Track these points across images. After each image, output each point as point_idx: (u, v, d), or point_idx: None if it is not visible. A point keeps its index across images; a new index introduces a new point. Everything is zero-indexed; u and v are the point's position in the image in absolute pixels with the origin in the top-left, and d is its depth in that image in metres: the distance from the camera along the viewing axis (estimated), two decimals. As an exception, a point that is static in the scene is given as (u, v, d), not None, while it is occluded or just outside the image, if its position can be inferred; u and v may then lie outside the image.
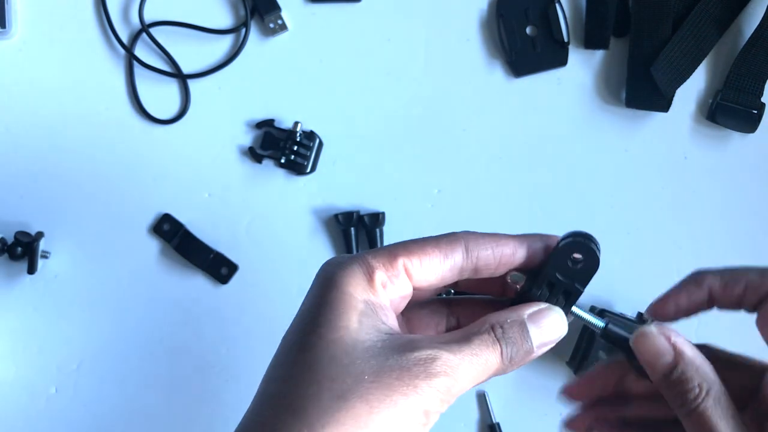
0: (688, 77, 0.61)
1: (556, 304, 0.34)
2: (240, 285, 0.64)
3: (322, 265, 0.33)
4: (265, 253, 0.64)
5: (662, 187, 0.63)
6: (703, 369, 0.33)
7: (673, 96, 0.62)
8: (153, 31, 0.65)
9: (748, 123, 0.61)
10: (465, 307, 0.37)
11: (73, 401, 0.64)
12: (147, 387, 0.64)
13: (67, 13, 0.65)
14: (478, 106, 0.64)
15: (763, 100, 0.61)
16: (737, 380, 0.34)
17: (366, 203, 0.64)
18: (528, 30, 0.63)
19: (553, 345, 0.34)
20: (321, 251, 0.64)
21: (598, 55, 0.64)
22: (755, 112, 0.61)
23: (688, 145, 0.63)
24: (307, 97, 0.64)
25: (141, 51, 0.65)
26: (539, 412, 0.63)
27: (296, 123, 0.63)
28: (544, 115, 0.64)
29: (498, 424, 0.62)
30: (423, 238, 0.34)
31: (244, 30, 0.64)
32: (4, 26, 0.64)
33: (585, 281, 0.34)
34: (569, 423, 0.39)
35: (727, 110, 0.61)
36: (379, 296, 0.32)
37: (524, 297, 0.35)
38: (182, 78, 0.65)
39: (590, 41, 0.63)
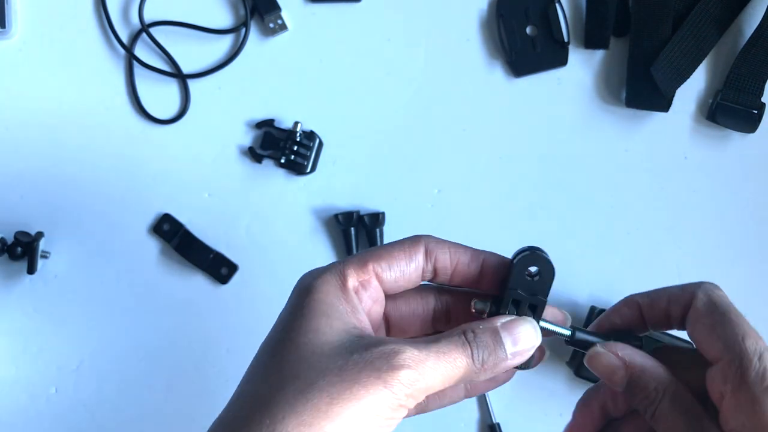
0: (688, 77, 0.61)
1: None
2: (240, 285, 0.64)
3: (300, 277, 0.36)
4: (265, 253, 0.64)
5: (662, 187, 0.63)
6: (655, 372, 0.35)
7: (673, 96, 0.62)
8: (153, 31, 0.65)
9: (748, 123, 0.61)
10: (454, 297, 0.39)
11: (73, 401, 0.64)
12: (147, 387, 0.64)
13: (67, 13, 0.65)
14: (478, 106, 0.64)
15: (763, 100, 0.61)
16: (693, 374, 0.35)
17: (366, 203, 0.64)
18: (528, 30, 0.63)
19: (526, 355, 0.35)
20: (321, 251, 0.64)
21: (598, 55, 0.64)
22: (755, 112, 0.61)
23: (688, 145, 0.63)
24: (307, 97, 0.64)
25: (141, 51, 0.65)
26: (539, 412, 0.63)
27: (296, 123, 0.63)
28: (544, 115, 0.64)
29: (498, 424, 0.62)
30: (389, 243, 0.37)
31: (244, 30, 0.64)
32: (4, 26, 0.64)
33: (546, 291, 0.36)
34: None
35: (727, 110, 0.61)
36: (351, 301, 0.34)
37: None
38: (182, 78, 0.65)
39: (590, 41, 0.63)
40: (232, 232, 0.64)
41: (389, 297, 0.37)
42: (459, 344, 0.33)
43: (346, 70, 0.64)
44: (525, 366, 0.36)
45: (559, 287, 0.61)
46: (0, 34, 0.64)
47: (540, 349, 0.37)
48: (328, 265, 0.36)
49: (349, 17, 0.64)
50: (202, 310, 0.64)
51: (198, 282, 0.64)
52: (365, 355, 0.31)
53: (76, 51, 0.65)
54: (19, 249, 0.62)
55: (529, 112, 0.64)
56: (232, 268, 0.64)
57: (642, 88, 0.62)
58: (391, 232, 0.64)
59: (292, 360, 0.32)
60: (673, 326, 0.37)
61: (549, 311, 0.38)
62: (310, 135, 0.63)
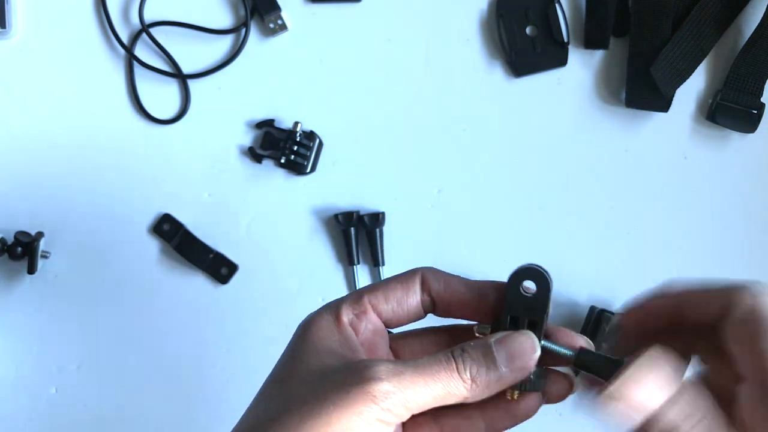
0: (688, 77, 0.61)
1: None
2: (240, 285, 0.64)
3: (303, 319, 0.37)
4: (265, 253, 0.64)
5: (662, 187, 0.63)
6: (688, 408, 0.31)
7: (673, 96, 0.62)
8: (153, 31, 0.65)
9: (748, 123, 0.61)
10: (468, 333, 0.37)
11: (73, 401, 0.64)
12: (147, 387, 0.64)
13: (67, 13, 0.65)
14: (478, 106, 0.64)
15: (763, 100, 0.61)
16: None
17: (366, 203, 0.64)
18: (528, 30, 0.63)
19: (528, 367, 0.34)
20: (321, 251, 0.64)
21: (598, 55, 0.64)
22: (755, 112, 0.61)
23: (688, 145, 0.63)
24: (307, 97, 0.64)
25: (141, 51, 0.65)
26: (539, 412, 0.63)
27: (296, 123, 0.63)
28: (544, 115, 0.64)
29: (498, 424, 0.62)
30: (388, 277, 0.37)
31: (244, 30, 0.64)
32: (4, 26, 0.64)
33: (545, 306, 0.35)
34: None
35: (727, 110, 0.61)
36: (344, 333, 0.35)
37: None
38: (182, 78, 0.65)
39: (590, 41, 0.63)
40: (232, 232, 0.64)
41: (399, 335, 0.38)
42: (443, 360, 0.33)
43: (346, 70, 0.64)
44: (535, 387, 0.35)
45: (559, 287, 0.61)
46: (0, 34, 0.64)
47: (565, 379, 0.36)
48: (326, 304, 0.36)
49: (349, 17, 0.64)
50: (202, 310, 0.64)
51: (198, 282, 0.64)
52: (338, 374, 0.32)
53: (76, 51, 0.65)
54: (19, 249, 0.62)
55: (529, 112, 0.64)
56: (232, 268, 0.64)
57: (642, 89, 0.62)
58: (391, 232, 0.64)
59: (283, 394, 0.33)
60: (706, 333, 0.33)
61: (569, 337, 0.36)
62: (310, 135, 0.63)
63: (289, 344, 0.36)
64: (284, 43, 0.65)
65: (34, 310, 0.65)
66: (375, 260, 0.63)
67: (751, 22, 0.62)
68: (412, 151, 0.64)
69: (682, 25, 0.61)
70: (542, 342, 0.35)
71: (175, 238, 0.64)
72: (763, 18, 0.60)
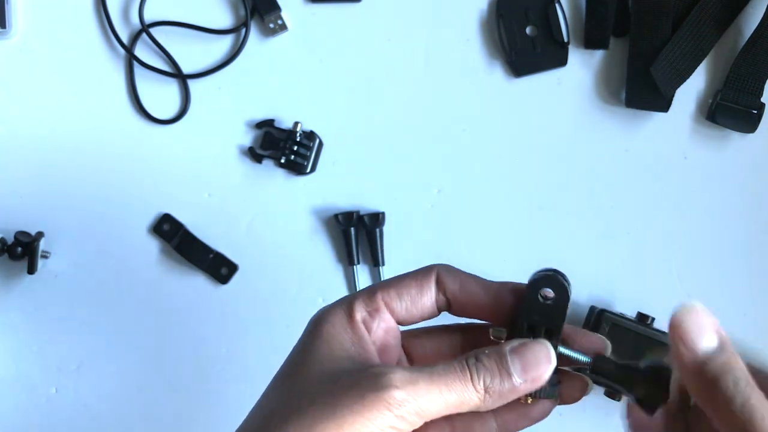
0: (688, 77, 0.61)
1: None
2: (240, 285, 0.64)
3: (315, 313, 0.36)
4: (265, 253, 0.64)
5: (662, 187, 0.63)
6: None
7: (673, 96, 0.62)
8: (153, 31, 0.65)
9: (748, 123, 0.61)
10: (482, 333, 0.37)
11: (73, 401, 0.64)
12: (147, 387, 0.64)
13: (67, 13, 0.65)
14: (478, 106, 0.64)
15: (763, 100, 0.61)
16: None
17: (366, 203, 0.64)
18: (528, 30, 0.63)
19: (540, 379, 0.33)
20: (321, 251, 0.64)
21: (598, 55, 0.64)
22: (755, 112, 0.61)
23: (688, 145, 0.63)
24: (307, 97, 0.64)
25: (141, 51, 0.65)
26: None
27: (296, 123, 0.63)
28: (544, 115, 0.64)
29: (498, 424, 0.62)
30: (403, 273, 0.36)
31: (244, 30, 0.64)
32: (4, 26, 0.64)
33: (562, 315, 0.35)
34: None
35: (727, 110, 0.61)
36: (357, 331, 0.34)
37: None
38: (182, 78, 0.65)
39: (590, 41, 0.63)
40: (232, 232, 0.64)
41: (412, 333, 0.37)
42: (457, 369, 0.32)
43: (346, 70, 0.64)
44: (550, 394, 0.35)
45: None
46: (0, 34, 0.64)
47: (580, 381, 0.35)
48: (339, 299, 0.36)
49: (349, 17, 0.64)
50: (202, 310, 0.64)
51: (198, 282, 0.64)
52: (354, 377, 0.31)
53: (76, 51, 0.65)
54: (19, 249, 0.62)
55: (529, 112, 0.64)
56: (232, 268, 0.64)
57: (642, 89, 0.62)
58: (391, 232, 0.64)
59: (293, 390, 0.33)
60: None
61: (586, 338, 0.35)
62: (310, 135, 0.63)
63: (300, 339, 0.35)
64: (284, 43, 0.65)
65: (34, 310, 0.65)
66: (375, 260, 0.63)
67: (751, 22, 0.62)
68: (412, 151, 0.64)
69: (682, 25, 0.61)
70: (558, 348, 0.35)
71: (175, 238, 0.64)
72: (763, 18, 0.60)
